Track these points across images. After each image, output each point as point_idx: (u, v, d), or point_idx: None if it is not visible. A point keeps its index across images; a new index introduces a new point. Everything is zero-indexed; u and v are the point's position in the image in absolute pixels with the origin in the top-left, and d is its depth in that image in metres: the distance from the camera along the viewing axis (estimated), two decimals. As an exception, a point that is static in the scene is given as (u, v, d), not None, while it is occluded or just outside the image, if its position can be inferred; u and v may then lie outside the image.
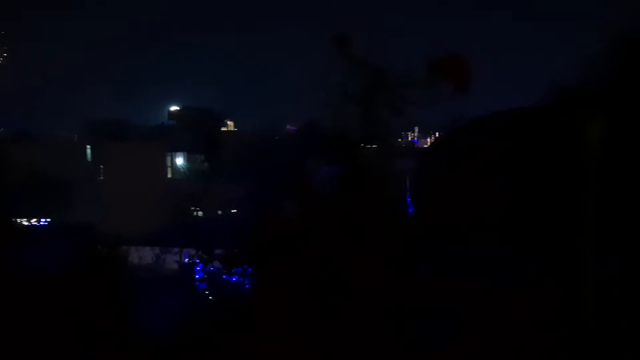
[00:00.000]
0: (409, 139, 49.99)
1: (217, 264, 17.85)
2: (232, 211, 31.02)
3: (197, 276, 20.07)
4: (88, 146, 37.68)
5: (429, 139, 47.35)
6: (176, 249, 20.64)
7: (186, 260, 20.92)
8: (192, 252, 20.40)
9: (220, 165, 36.63)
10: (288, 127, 42.25)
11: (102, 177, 35.85)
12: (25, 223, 28.91)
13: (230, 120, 47.29)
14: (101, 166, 36.27)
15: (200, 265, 20.27)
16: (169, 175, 38.30)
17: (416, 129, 48.70)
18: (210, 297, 16.76)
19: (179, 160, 39.09)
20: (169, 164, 38.62)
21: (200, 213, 32.17)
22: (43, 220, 30.69)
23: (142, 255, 19.67)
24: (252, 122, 43.28)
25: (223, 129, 45.98)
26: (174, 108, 45.87)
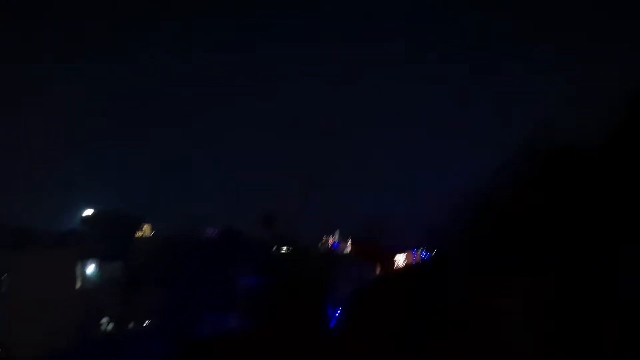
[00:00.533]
0: (330, 243, 50.40)
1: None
2: (147, 323, 29.44)
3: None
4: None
5: (349, 242, 48.04)
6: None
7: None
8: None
9: (136, 272, 35.07)
10: (208, 231, 41.44)
11: (3, 289, 33.24)
12: None
13: (147, 224, 45.84)
14: (3, 277, 33.73)
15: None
16: (79, 285, 36.07)
17: (337, 232, 49.35)
18: None
19: (90, 269, 37.05)
20: (79, 272, 36.48)
21: (111, 326, 30.28)
22: None
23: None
24: (171, 225, 42.08)
25: (139, 233, 44.41)
26: (86, 212, 44.01)
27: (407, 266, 36.08)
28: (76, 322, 28.35)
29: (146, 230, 45.05)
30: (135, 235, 42.72)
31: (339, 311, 24.18)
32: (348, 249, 46.96)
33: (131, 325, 29.49)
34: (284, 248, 40.01)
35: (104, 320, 30.89)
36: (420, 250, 41.73)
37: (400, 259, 42.37)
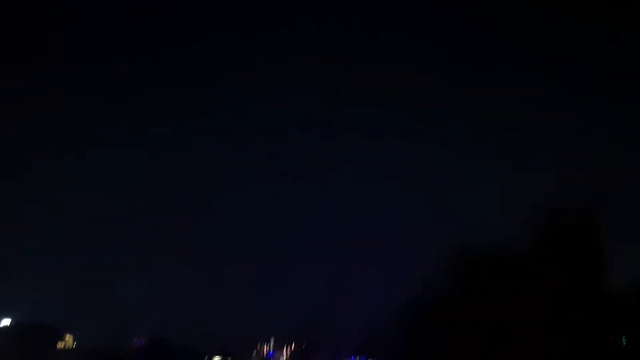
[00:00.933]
0: (265, 351, 48.61)
1: None
2: None
3: None
4: None
5: (284, 350, 46.54)
6: None
7: None
8: None
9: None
10: (135, 340, 39.39)
11: None
12: None
13: (69, 334, 43.29)
14: None
15: None
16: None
17: (272, 340, 47.92)
18: None
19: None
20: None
21: None
22: None
23: None
24: (96, 334, 39.82)
25: (60, 344, 41.77)
26: (3, 323, 41.07)
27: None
28: None
29: (69, 340, 42.52)
30: (57, 347, 40.18)
31: None
32: (284, 357, 45.33)
33: None
34: (217, 357, 38.28)
35: None
36: (357, 358, 40.93)
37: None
